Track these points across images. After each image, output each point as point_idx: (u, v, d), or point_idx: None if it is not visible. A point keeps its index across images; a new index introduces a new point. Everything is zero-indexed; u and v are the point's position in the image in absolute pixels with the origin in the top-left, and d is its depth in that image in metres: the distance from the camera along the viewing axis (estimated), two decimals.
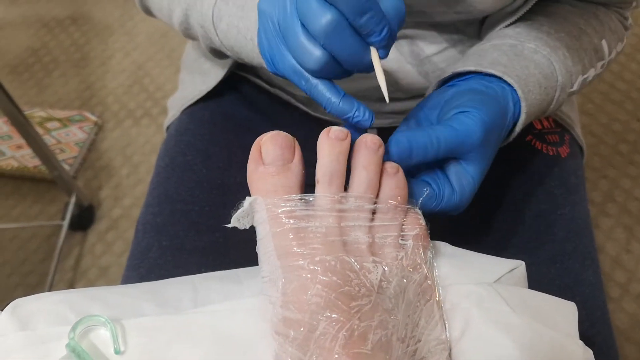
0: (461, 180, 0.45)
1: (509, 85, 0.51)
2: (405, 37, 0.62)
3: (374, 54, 0.40)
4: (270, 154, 0.39)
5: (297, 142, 0.40)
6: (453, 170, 0.46)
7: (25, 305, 0.38)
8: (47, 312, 0.37)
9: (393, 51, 0.63)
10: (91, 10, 2.09)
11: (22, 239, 1.46)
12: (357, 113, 0.41)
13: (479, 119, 0.45)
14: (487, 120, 0.45)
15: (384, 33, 0.39)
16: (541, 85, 0.52)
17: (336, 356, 0.34)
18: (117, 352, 0.36)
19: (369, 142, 0.40)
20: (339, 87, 0.42)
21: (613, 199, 1.41)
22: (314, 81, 0.41)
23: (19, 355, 0.35)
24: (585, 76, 0.57)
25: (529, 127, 0.70)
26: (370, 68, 0.41)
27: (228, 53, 0.59)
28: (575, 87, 0.56)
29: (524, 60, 0.53)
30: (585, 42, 0.56)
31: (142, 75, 1.85)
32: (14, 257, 1.42)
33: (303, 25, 0.39)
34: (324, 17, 0.37)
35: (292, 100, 0.74)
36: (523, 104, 0.50)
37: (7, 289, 1.36)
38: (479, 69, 0.52)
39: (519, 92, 0.50)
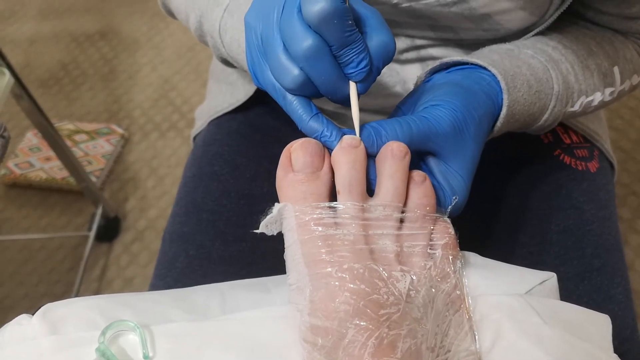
0: (448, 180, 0.44)
1: (495, 78, 0.49)
2: (432, 57, 0.62)
3: (352, 88, 0.40)
4: (300, 161, 0.39)
5: (327, 150, 0.40)
6: (437, 170, 0.44)
7: (56, 309, 0.38)
8: (77, 317, 0.38)
9: (421, 68, 0.63)
10: (119, 25, 2.14)
11: (50, 249, 1.48)
12: (325, 132, 0.40)
13: (448, 110, 0.44)
14: (456, 110, 0.44)
15: (361, 66, 0.39)
16: (531, 86, 0.51)
17: None
18: (146, 357, 0.36)
19: (395, 149, 0.40)
20: (314, 105, 0.41)
21: None
22: (291, 98, 0.41)
23: (49, 359, 0.35)
24: (590, 98, 0.55)
25: (557, 141, 0.69)
26: (347, 101, 0.41)
27: (235, 65, 0.59)
28: (576, 108, 0.55)
29: (516, 61, 0.52)
30: (592, 64, 0.55)
31: (168, 89, 1.87)
32: (41, 267, 1.44)
33: (284, 43, 0.39)
34: (305, 42, 0.37)
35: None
36: (505, 96, 0.48)
37: (35, 298, 1.38)
38: (465, 59, 0.51)
39: (502, 84, 0.48)
